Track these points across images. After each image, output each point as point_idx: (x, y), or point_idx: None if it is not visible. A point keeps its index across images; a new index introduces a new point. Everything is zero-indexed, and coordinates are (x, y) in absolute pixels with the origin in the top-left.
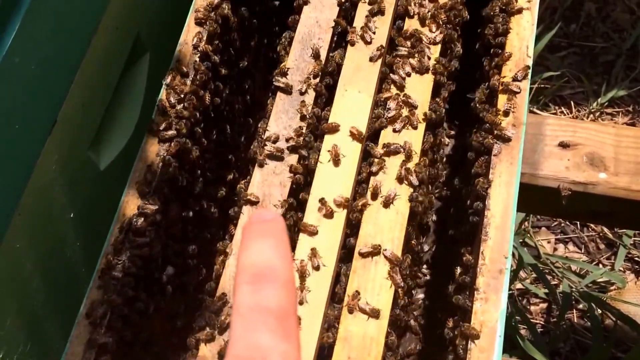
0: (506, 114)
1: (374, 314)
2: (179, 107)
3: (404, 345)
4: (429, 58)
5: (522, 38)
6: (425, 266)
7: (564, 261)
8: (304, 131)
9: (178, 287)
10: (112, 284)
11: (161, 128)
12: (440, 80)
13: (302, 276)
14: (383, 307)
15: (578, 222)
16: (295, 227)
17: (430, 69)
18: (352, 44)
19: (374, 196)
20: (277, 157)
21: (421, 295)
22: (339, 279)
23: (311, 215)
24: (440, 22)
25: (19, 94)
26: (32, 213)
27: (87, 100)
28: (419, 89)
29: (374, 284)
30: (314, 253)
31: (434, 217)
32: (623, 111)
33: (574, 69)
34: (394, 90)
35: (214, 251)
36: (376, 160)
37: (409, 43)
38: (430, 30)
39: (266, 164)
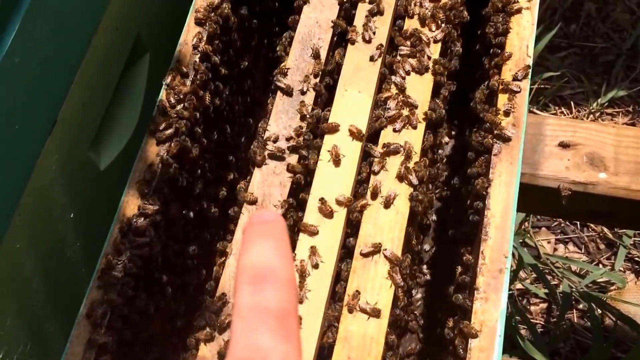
0: (506, 113)
1: (375, 313)
2: (179, 107)
3: (404, 345)
4: (429, 58)
5: (522, 38)
6: (425, 266)
7: (564, 261)
8: (303, 131)
9: (178, 287)
10: (112, 284)
11: (161, 128)
12: (440, 80)
13: (302, 276)
14: (383, 306)
15: (578, 222)
16: (295, 227)
17: (430, 68)
18: (352, 43)
19: (374, 196)
20: (277, 157)
21: (420, 295)
22: (339, 279)
23: (311, 215)
24: (440, 22)
25: (19, 94)
26: (32, 213)
27: (87, 100)
28: (419, 89)
29: (374, 283)
30: (313, 251)
31: (434, 217)
32: (623, 111)
33: (574, 69)
34: (394, 90)
35: (214, 251)
36: (376, 160)
37: (409, 43)
38: (430, 30)
39: (266, 164)
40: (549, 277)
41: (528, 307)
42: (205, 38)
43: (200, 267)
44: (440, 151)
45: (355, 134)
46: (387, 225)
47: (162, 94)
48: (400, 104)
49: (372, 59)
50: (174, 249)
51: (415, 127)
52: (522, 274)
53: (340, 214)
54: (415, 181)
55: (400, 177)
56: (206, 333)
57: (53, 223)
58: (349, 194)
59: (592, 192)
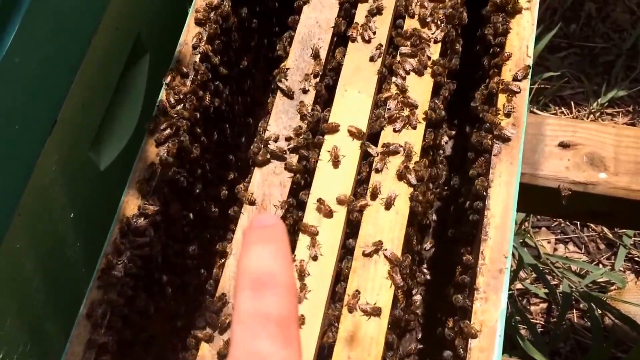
0: (506, 114)
1: (375, 312)
2: (179, 107)
3: (404, 345)
4: (429, 58)
5: (522, 38)
6: (425, 266)
7: (564, 261)
8: (303, 131)
9: (178, 287)
10: (112, 284)
11: (160, 128)
12: (440, 80)
13: (302, 276)
14: (383, 306)
15: (578, 222)
16: (295, 227)
17: (430, 68)
18: (353, 40)
19: (374, 196)
20: (277, 157)
21: (419, 296)
22: (339, 279)
23: (311, 215)
24: (439, 22)
25: (19, 94)
26: (32, 213)
27: (87, 100)
28: (419, 89)
29: (374, 283)
30: (312, 243)
31: (434, 217)
32: (623, 111)
33: (574, 69)
34: (394, 90)
35: (214, 251)
36: (376, 159)
37: (409, 43)
38: (430, 30)
39: (266, 164)
40: (549, 277)
41: (528, 307)
42: (205, 38)
43: (200, 267)
44: (440, 151)
45: (355, 134)
46: (387, 226)
47: (162, 94)
48: (400, 104)
49: (372, 59)
50: (174, 249)
51: (415, 127)
52: (522, 274)
53: (340, 213)
54: (414, 181)
55: (400, 177)
56: (206, 333)
57: (53, 223)
58: (349, 194)
59: (592, 192)
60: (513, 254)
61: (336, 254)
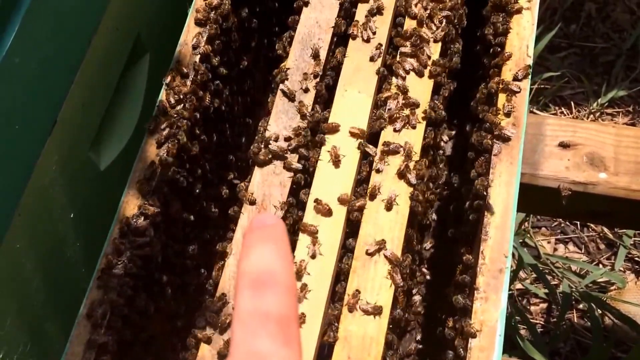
0: (506, 113)
1: (376, 310)
2: (179, 107)
3: (404, 345)
4: (429, 57)
5: (522, 38)
6: (425, 266)
7: (564, 261)
8: (303, 131)
9: (178, 287)
10: (112, 284)
11: (160, 128)
12: (440, 80)
13: (302, 275)
14: (383, 306)
15: (578, 222)
16: (295, 227)
17: (430, 68)
18: (354, 38)
19: (373, 197)
20: (277, 157)
21: (419, 296)
22: (339, 279)
23: (311, 215)
24: (439, 22)
25: (19, 94)
26: (32, 213)
27: (87, 100)
28: (419, 88)
29: (374, 283)
30: (313, 242)
31: (434, 217)
32: (623, 111)
33: (574, 69)
34: (394, 90)
35: (214, 251)
36: (376, 159)
37: (409, 43)
38: (430, 30)
39: (267, 164)
40: (549, 277)
41: (528, 307)
42: (205, 38)
43: (200, 267)
44: (440, 151)
45: (355, 134)
46: (387, 226)
47: (162, 94)
48: (400, 104)
49: (372, 59)
50: (174, 249)
51: (414, 127)
52: (522, 274)
53: (340, 212)
54: (414, 181)
55: (401, 177)
56: (206, 333)
57: (53, 223)
58: (350, 193)
59: (592, 192)
60: (513, 254)
61: (336, 254)
